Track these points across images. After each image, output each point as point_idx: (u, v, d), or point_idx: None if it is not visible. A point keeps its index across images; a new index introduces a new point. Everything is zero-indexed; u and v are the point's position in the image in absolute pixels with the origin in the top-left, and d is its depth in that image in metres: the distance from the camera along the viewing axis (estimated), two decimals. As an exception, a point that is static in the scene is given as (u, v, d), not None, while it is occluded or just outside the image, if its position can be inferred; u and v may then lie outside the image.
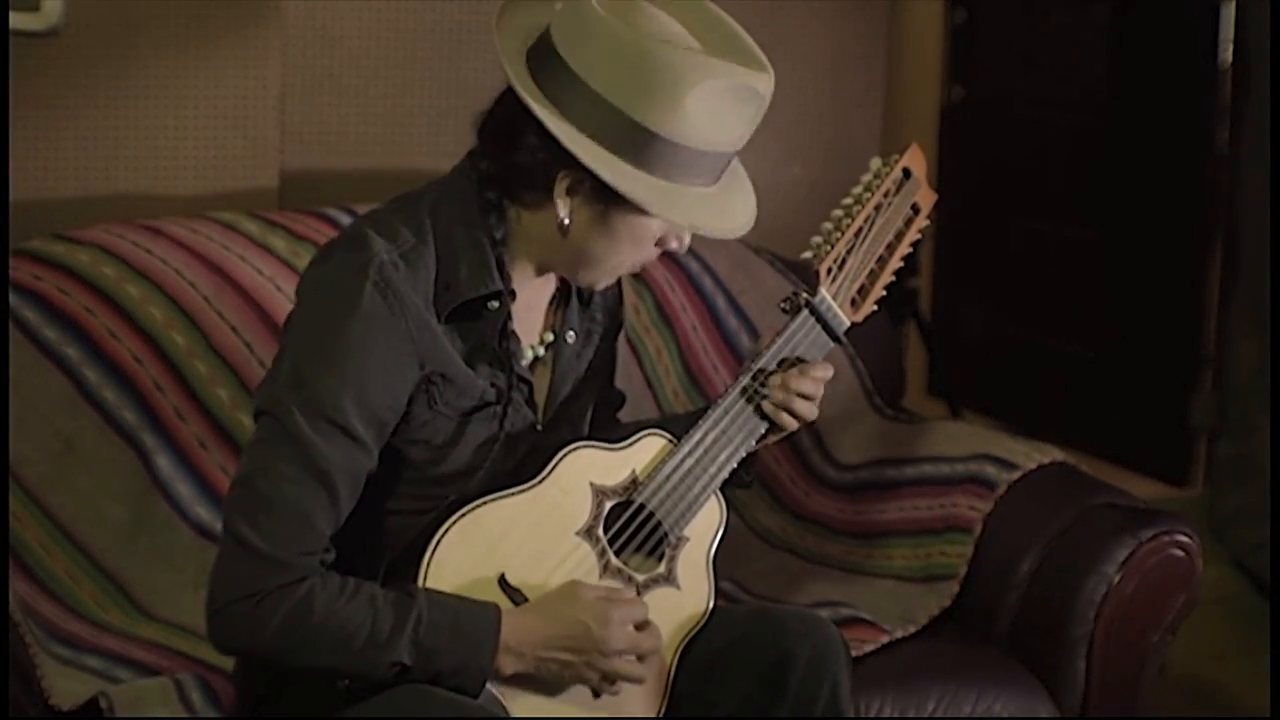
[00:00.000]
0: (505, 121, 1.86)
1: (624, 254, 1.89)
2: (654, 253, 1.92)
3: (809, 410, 1.96)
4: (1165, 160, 3.69)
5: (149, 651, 2.25)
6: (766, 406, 1.95)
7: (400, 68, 3.03)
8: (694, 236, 2.82)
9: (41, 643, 2.18)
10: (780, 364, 1.96)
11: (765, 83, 1.82)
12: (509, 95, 1.84)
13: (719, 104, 1.79)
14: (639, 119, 1.77)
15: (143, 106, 2.81)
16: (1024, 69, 3.99)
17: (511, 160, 1.85)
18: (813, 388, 1.95)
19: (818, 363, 1.97)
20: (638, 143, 1.78)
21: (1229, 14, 3.53)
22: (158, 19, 2.78)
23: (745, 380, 1.96)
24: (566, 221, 1.85)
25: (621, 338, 2.12)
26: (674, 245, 1.91)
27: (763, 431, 1.97)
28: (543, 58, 1.82)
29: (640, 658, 1.88)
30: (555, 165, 1.82)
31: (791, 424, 1.96)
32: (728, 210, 1.88)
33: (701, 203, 1.84)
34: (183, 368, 2.47)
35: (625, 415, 2.21)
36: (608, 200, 1.82)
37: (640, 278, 2.83)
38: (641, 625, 1.88)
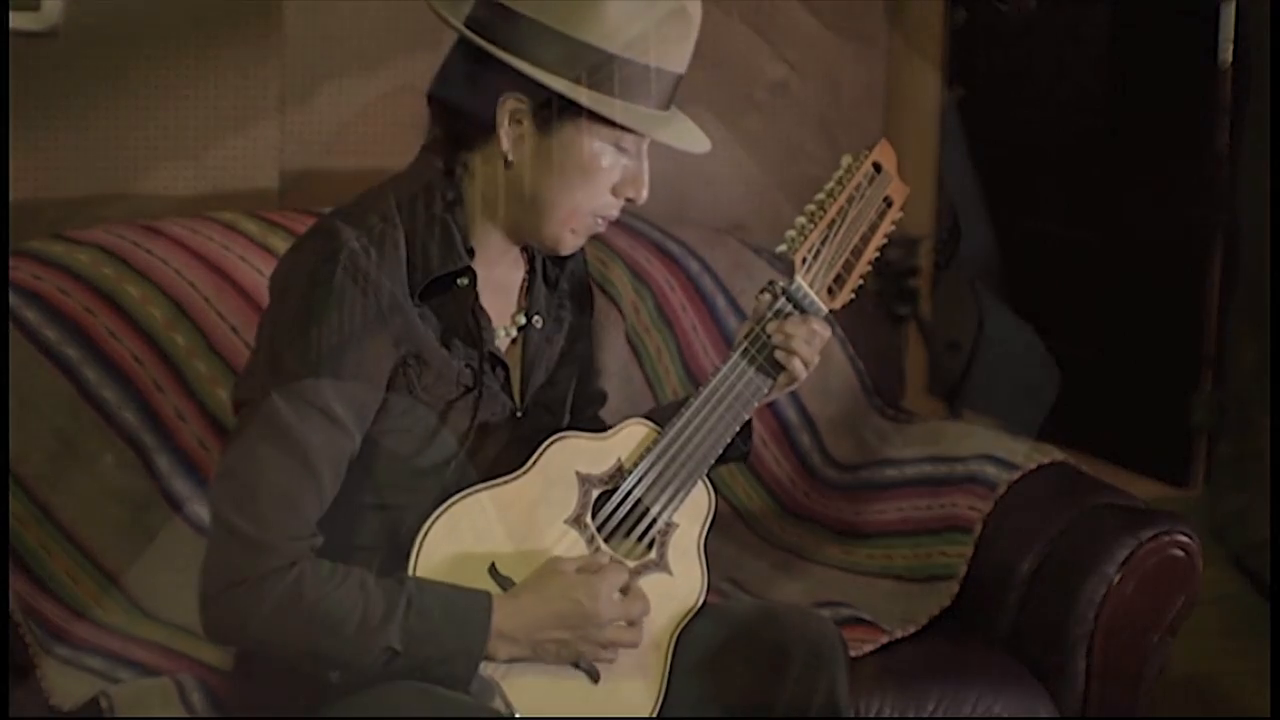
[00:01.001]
0: (449, 72, 1.91)
1: (575, 192, 1.88)
2: (611, 202, 1.91)
3: (808, 353, 1.97)
4: (1165, 160, 3.68)
5: (149, 651, 2.25)
6: (773, 356, 1.97)
7: (400, 68, 3.02)
8: (692, 236, 2.80)
9: (41, 643, 2.18)
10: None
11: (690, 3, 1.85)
12: (450, 53, 1.90)
13: (640, 10, 1.81)
14: (567, 31, 1.81)
15: (143, 106, 2.80)
16: (1024, 69, 3.99)
17: (456, 98, 1.89)
18: (808, 335, 1.97)
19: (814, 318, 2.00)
20: (569, 55, 1.81)
21: (1229, 14, 3.53)
22: (158, 19, 2.78)
23: (730, 360, 1.98)
24: (510, 154, 1.86)
25: (621, 337, 2.12)
26: (630, 193, 1.91)
27: (754, 406, 1.99)
28: (482, 15, 1.86)
29: (631, 622, 1.90)
30: (497, 89, 1.85)
31: (799, 370, 1.97)
32: (677, 132, 1.89)
33: (643, 116, 1.85)
34: (183, 368, 2.47)
35: (626, 414, 2.21)
36: (550, 117, 1.84)
37: (640, 277, 2.83)
38: (625, 590, 1.90)
